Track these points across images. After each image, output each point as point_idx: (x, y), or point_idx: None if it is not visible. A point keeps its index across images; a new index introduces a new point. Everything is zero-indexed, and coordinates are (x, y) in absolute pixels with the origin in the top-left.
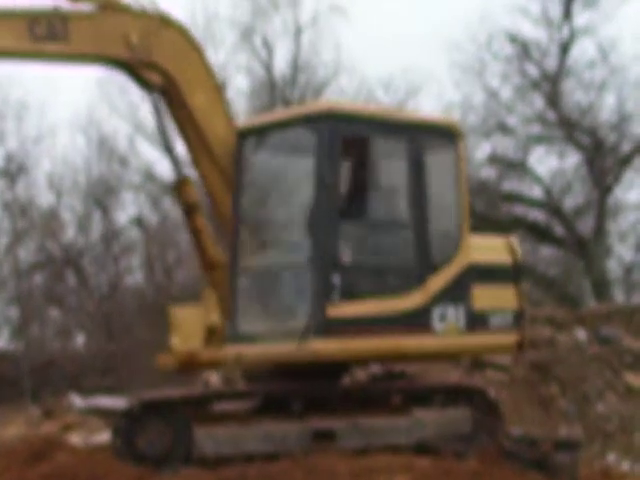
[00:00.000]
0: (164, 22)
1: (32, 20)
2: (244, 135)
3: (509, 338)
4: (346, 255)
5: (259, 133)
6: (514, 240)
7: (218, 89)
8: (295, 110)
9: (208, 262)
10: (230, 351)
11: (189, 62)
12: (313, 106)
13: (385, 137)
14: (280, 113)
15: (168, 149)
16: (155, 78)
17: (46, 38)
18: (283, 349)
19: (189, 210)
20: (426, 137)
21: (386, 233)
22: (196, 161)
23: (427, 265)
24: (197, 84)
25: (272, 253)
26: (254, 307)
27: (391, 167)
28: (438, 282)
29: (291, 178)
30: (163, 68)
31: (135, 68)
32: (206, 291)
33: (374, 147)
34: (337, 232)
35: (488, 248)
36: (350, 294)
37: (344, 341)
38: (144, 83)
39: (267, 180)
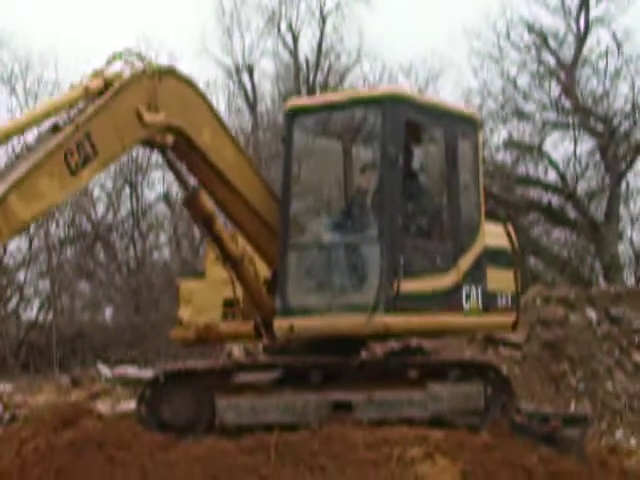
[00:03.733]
0: (163, 74)
1: (65, 153)
2: (294, 114)
3: (509, 318)
4: (407, 233)
5: (312, 113)
6: (511, 226)
7: (221, 122)
8: (355, 92)
9: (232, 260)
10: (281, 323)
11: (193, 107)
12: (378, 89)
13: (433, 124)
14: (337, 95)
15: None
16: (168, 138)
17: (81, 165)
18: (349, 322)
19: (206, 221)
20: (457, 125)
21: (430, 215)
22: (213, 193)
23: (459, 246)
24: (202, 124)
25: (328, 230)
26: (308, 281)
27: (435, 153)
28: (465, 263)
29: (349, 157)
30: (172, 124)
31: (151, 139)
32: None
33: (424, 133)
34: (401, 211)
35: (492, 233)
36: (409, 272)
37: (407, 316)
38: (158, 146)
39: (321, 159)
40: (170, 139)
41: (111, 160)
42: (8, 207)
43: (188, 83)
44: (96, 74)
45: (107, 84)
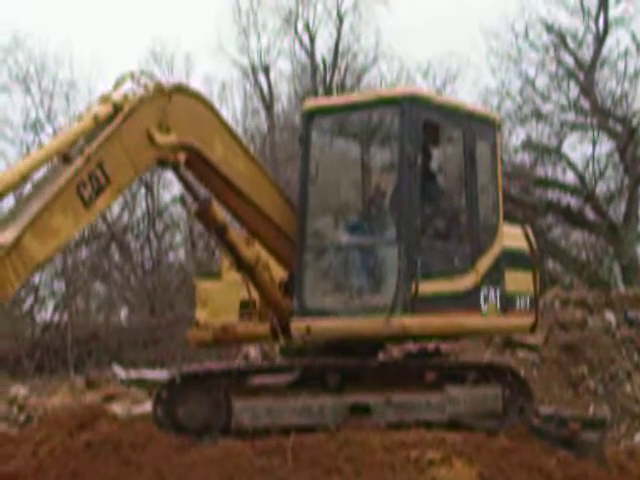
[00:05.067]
0: (172, 93)
1: (78, 185)
2: (311, 115)
3: (528, 320)
4: (425, 235)
5: (331, 114)
6: (529, 228)
7: (232, 133)
8: (373, 93)
9: (246, 266)
10: (298, 325)
11: (204, 122)
12: (396, 90)
13: (451, 125)
14: (355, 95)
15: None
16: (180, 156)
17: (95, 195)
18: (367, 323)
19: (219, 231)
20: (477, 127)
21: (448, 216)
22: (225, 203)
23: (477, 248)
24: (214, 138)
25: (345, 231)
26: (325, 283)
27: (453, 154)
28: (484, 265)
29: (367, 158)
30: (184, 142)
31: (163, 159)
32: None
33: (442, 134)
34: (419, 213)
35: (511, 236)
36: (427, 273)
37: (425, 318)
38: (170, 164)
39: (339, 159)
40: (182, 156)
41: (125, 187)
42: (24, 248)
43: (198, 98)
44: (104, 99)
45: (116, 109)
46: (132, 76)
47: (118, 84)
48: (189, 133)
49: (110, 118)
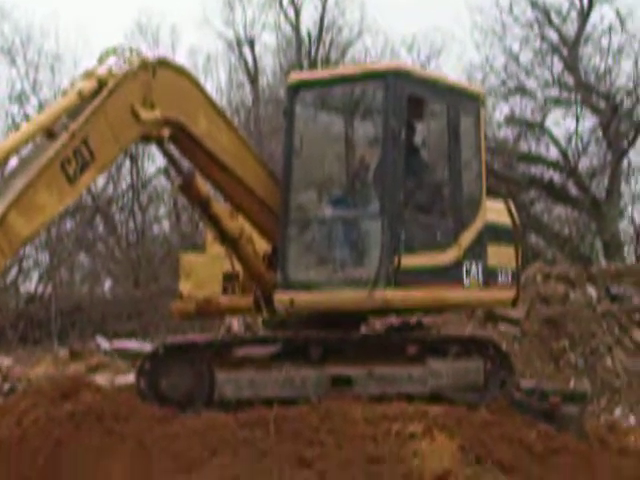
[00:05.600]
0: (156, 67)
1: (62, 162)
2: (297, 89)
3: (510, 294)
4: (408, 209)
5: (315, 87)
6: (512, 203)
7: (216, 107)
8: (358, 67)
9: (230, 240)
10: (282, 297)
11: (188, 97)
12: (380, 64)
13: (435, 100)
14: (341, 69)
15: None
16: (164, 131)
17: (79, 172)
18: (350, 296)
19: (203, 205)
20: (460, 102)
21: (431, 191)
22: (209, 177)
23: (460, 223)
24: (198, 113)
25: (329, 205)
26: (309, 256)
27: (437, 128)
28: (466, 239)
29: (351, 132)
30: (168, 117)
31: (147, 134)
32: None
33: (426, 108)
34: (402, 187)
35: (494, 210)
36: (410, 247)
37: (407, 291)
38: (154, 139)
39: (323, 133)
40: (166, 131)
41: (109, 163)
42: (9, 225)
43: (182, 73)
44: (88, 75)
45: (100, 84)
46: (116, 51)
47: (102, 59)
48: (173, 108)
49: (94, 93)
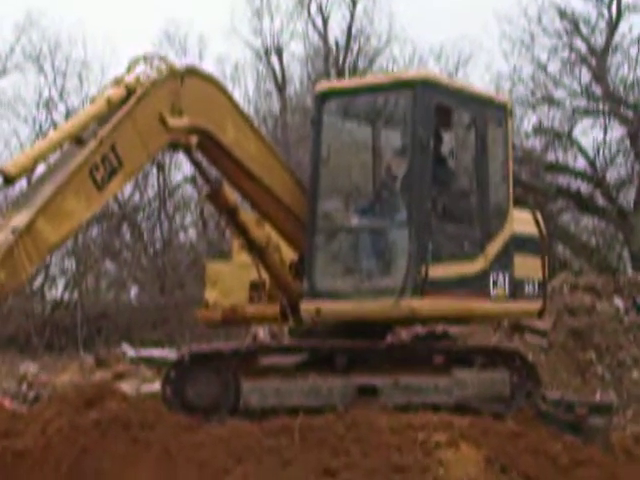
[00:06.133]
0: (185, 75)
1: (91, 168)
2: (325, 97)
3: (536, 305)
4: (435, 218)
5: (343, 96)
6: (539, 213)
7: (244, 115)
8: (386, 76)
9: (257, 248)
10: (308, 306)
11: (216, 105)
12: (408, 73)
13: (463, 109)
14: (368, 78)
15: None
16: (192, 139)
17: (107, 178)
18: (376, 306)
19: (230, 213)
20: (488, 112)
21: (458, 200)
22: (237, 185)
23: (487, 233)
24: (226, 121)
25: (356, 214)
26: (335, 265)
27: (464, 138)
28: (493, 249)
29: (379, 141)
30: (196, 124)
31: (175, 142)
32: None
33: (455, 118)
34: (430, 196)
35: (521, 220)
36: (437, 256)
37: (434, 301)
38: (182, 147)
39: (350, 142)
40: (194, 139)
41: (137, 170)
42: (37, 232)
43: (210, 81)
44: (117, 82)
45: (129, 92)
46: (145, 59)
47: (131, 67)
48: (201, 116)
49: (123, 101)
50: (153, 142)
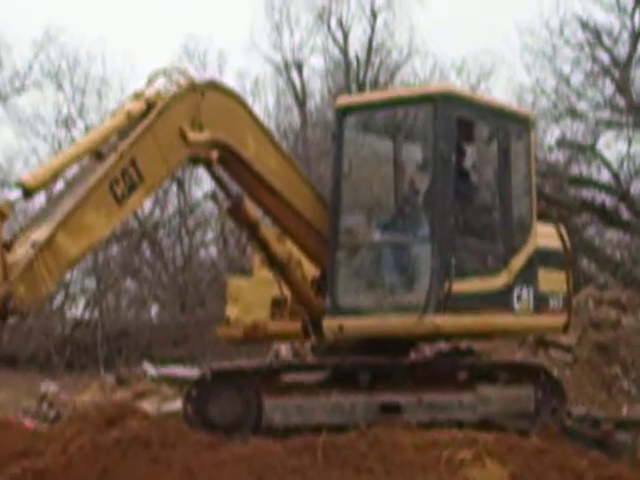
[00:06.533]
0: (205, 89)
1: (111, 183)
2: (346, 112)
3: (561, 320)
4: (458, 233)
5: (364, 110)
6: (563, 227)
7: (264, 130)
8: (407, 90)
9: (279, 263)
10: (330, 323)
11: (237, 120)
12: (430, 87)
13: (485, 122)
14: (389, 92)
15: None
16: (213, 153)
17: (127, 193)
18: (399, 322)
19: (252, 228)
20: (510, 125)
21: (481, 214)
22: (258, 200)
23: (510, 247)
24: (246, 136)
25: (378, 229)
26: (358, 281)
27: (487, 152)
28: (517, 264)
29: (400, 155)
30: (216, 139)
31: (195, 156)
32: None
33: (477, 131)
34: (453, 211)
35: (545, 234)
36: (460, 272)
37: (457, 317)
38: (203, 162)
39: (371, 156)
40: (215, 154)
41: (158, 184)
42: (57, 246)
43: (230, 95)
44: (137, 96)
45: (149, 106)
46: (165, 73)
47: (151, 81)
48: (222, 130)
49: (143, 115)
50: (173, 156)
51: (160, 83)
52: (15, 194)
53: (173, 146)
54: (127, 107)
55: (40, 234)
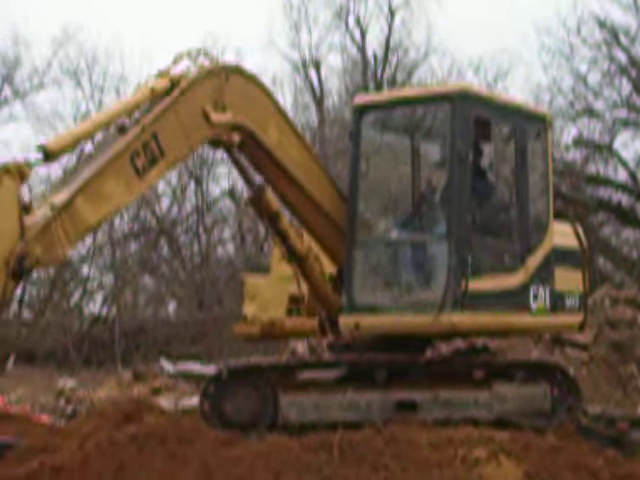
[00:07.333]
0: (229, 72)
1: (132, 154)
2: (362, 110)
3: (577, 318)
4: (475, 232)
5: (381, 109)
6: (579, 226)
7: (287, 119)
8: (424, 89)
9: (298, 257)
10: (347, 320)
11: (260, 105)
12: (447, 86)
13: (502, 121)
14: (405, 91)
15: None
16: (234, 137)
17: (148, 166)
18: (416, 320)
19: (272, 219)
20: (527, 124)
21: (498, 213)
22: (278, 190)
23: (527, 246)
24: (269, 122)
25: (396, 227)
26: (375, 279)
27: (504, 150)
28: (533, 263)
29: (417, 154)
30: (239, 123)
31: (217, 138)
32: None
33: (494, 130)
34: (470, 209)
35: (561, 233)
36: (477, 270)
37: (474, 315)
38: (224, 145)
39: (389, 155)
40: (236, 137)
41: (178, 161)
42: (75, 210)
43: (254, 81)
44: (162, 74)
45: (173, 84)
46: (190, 54)
47: (176, 60)
48: (244, 114)
49: (166, 92)
50: (195, 136)
51: (185, 64)
52: (36, 157)
53: (195, 125)
54: (151, 83)
55: (59, 197)
